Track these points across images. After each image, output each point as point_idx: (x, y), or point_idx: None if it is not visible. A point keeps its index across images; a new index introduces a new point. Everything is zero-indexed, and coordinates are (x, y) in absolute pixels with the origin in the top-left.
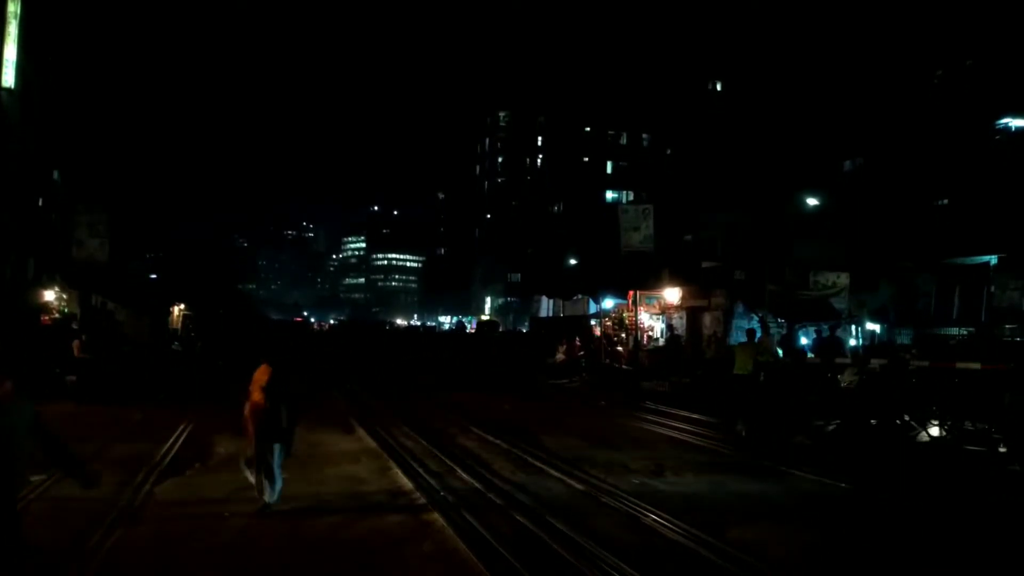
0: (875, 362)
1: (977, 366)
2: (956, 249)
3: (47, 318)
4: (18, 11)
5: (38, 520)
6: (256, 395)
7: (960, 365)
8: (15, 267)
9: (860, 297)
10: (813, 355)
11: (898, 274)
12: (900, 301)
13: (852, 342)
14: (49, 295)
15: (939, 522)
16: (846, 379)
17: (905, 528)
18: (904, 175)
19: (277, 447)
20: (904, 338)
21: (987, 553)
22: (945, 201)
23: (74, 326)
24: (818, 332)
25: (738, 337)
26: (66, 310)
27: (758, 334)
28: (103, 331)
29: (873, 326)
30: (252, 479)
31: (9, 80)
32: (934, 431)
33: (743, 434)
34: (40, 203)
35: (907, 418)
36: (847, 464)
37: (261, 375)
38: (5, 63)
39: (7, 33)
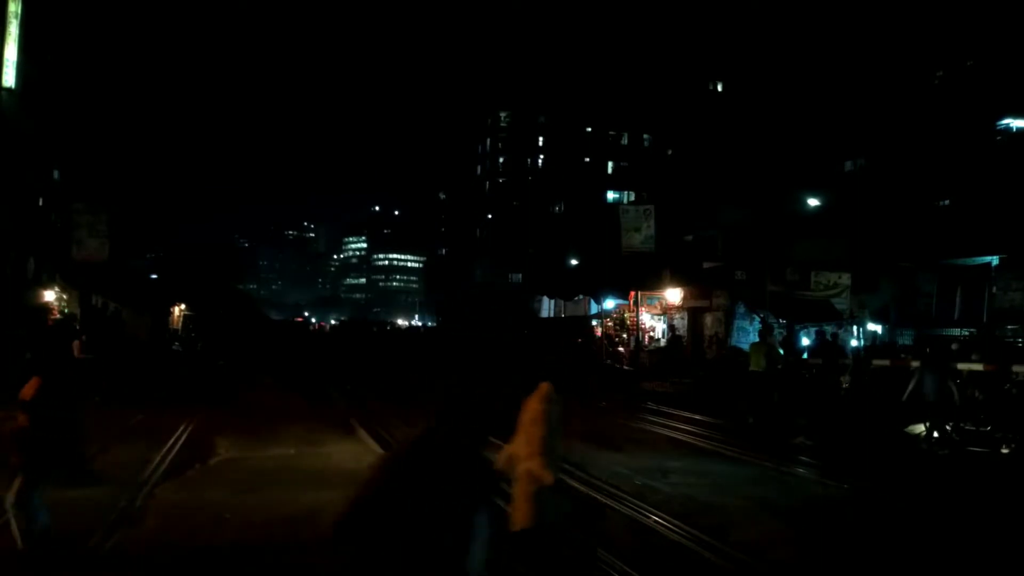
0: (876, 363)
1: (980, 367)
2: (957, 249)
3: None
4: (19, 11)
5: None
6: (20, 416)
7: (962, 366)
8: (15, 267)
9: (861, 297)
10: (815, 356)
11: (899, 274)
12: (901, 301)
13: (853, 343)
14: (49, 295)
15: (941, 523)
16: (847, 380)
17: (908, 529)
18: (905, 175)
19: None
20: (905, 339)
21: (989, 554)
22: (946, 201)
23: (76, 326)
24: (819, 333)
25: (739, 337)
26: (66, 310)
27: (772, 333)
28: (104, 331)
29: (874, 327)
30: (15, 525)
31: (9, 80)
32: (936, 432)
33: (751, 423)
34: (40, 203)
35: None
36: (849, 465)
37: (28, 389)
38: (5, 63)
39: (8, 33)
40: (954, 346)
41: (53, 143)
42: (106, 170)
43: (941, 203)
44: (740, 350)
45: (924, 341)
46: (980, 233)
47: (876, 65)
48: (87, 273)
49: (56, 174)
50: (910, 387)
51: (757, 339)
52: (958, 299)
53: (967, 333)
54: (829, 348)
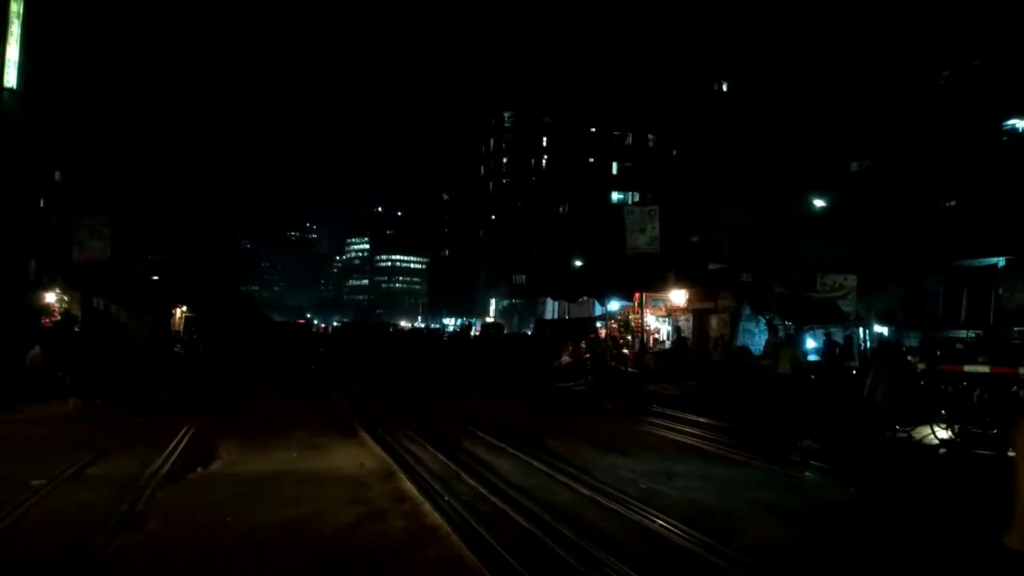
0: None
1: (986, 369)
2: (964, 251)
3: (48, 320)
4: (20, 11)
5: (39, 525)
6: None
7: (968, 368)
8: (16, 268)
9: (868, 299)
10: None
11: (906, 276)
12: (908, 303)
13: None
14: (50, 297)
15: (949, 527)
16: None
17: (915, 533)
18: (911, 176)
19: None
20: (912, 340)
21: (995, 556)
22: (953, 202)
23: (76, 328)
24: (827, 335)
25: (745, 339)
26: (67, 312)
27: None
28: (104, 333)
29: (881, 328)
30: None
31: (11, 80)
32: (943, 435)
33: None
34: (41, 204)
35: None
36: (857, 469)
37: None
38: (7, 63)
39: (9, 33)
40: (959, 346)
41: (54, 143)
42: (107, 171)
43: (947, 204)
44: (748, 350)
45: (931, 343)
46: (986, 234)
47: (882, 65)
48: (88, 275)
49: (57, 175)
50: (867, 384)
51: (779, 342)
52: (965, 300)
53: (974, 335)
54: (835, 351)
